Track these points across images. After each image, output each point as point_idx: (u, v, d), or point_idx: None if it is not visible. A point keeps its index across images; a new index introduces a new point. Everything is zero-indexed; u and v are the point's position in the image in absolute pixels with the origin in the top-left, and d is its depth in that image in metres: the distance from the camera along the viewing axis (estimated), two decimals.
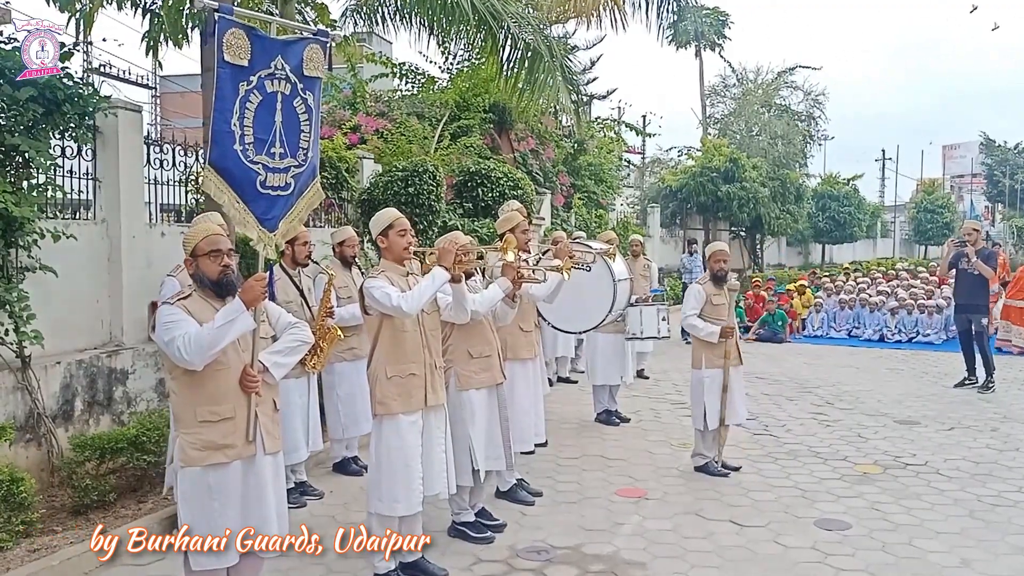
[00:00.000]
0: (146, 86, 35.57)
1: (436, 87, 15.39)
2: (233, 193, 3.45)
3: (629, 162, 25.51)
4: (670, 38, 29.31)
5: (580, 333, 7.55)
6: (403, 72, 16.10)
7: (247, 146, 3.45)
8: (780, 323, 16.10)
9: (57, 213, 6.72)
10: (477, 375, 5.14)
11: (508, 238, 4.64)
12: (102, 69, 33.70)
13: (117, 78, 33.61)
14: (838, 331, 16.40)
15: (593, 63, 23.76)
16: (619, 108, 40.48)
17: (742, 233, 29.69)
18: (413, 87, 16.40)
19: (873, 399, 9.93)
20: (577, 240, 7.32)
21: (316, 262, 5.99)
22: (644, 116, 40.84)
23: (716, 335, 6.53)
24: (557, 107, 14.39)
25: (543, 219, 16.27)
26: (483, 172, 11.53)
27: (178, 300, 3.60)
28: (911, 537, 5.37)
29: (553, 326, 7.19)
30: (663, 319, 8.12)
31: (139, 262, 7.20)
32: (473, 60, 14.77)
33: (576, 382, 10.73)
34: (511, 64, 11.98)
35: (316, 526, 5.49)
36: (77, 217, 7.01)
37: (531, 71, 11.84)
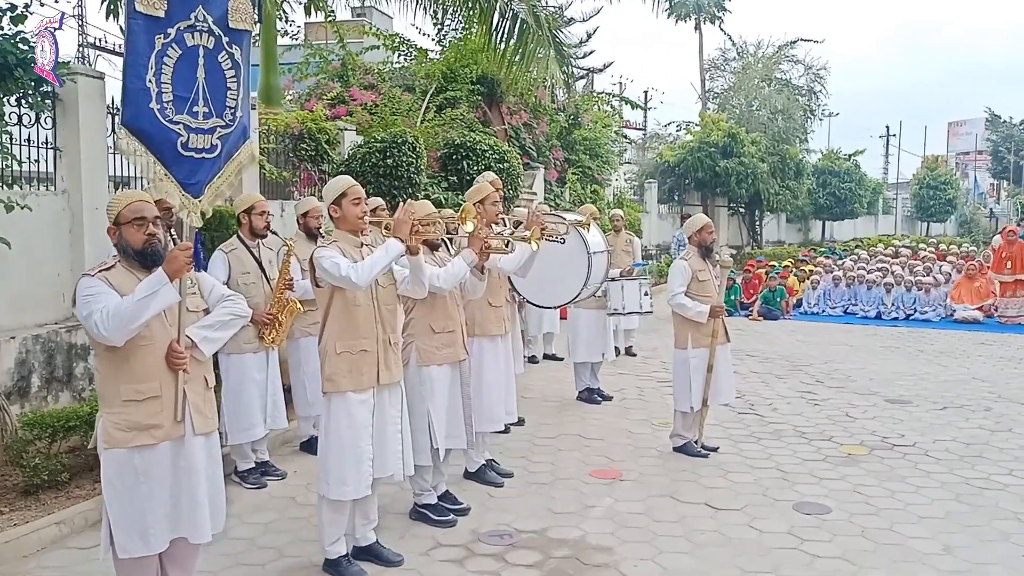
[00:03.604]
0: None
1: (428, 60, 15.05)
2: (151, 155, 3.18)
3: (626, 136, 25.13)
4: (668, 10, 28.84)
5: (556, 307, 7.31)
6: (395, 45, 15.79)
7: (165, 105, 3.18)
8: (779, 300, 15.87)
9: (12, 183, 6.46)
10: (439, 351, 4.91)
11: (466, 207, 4.37)
12: (97, 43, 33.41)
13: (114, 52, 33.27)
14: (834, 308, 16.14)
15: (589, 36, 23.44)
16: (621, 83, 40.12)
17: (741, 209, 29.40)
18: (405, 60, 16.09)
19: (865, 377, 9.71)
20: (550, 212, 7.04)
21: (275, 232, 5.75)
22: (646, 92, 40.49)
23: (705, 315, 6.26)
24: (550, 80, 14.07)
25: (535, 194, 15.99)
26: (468, 145, 11.25)
27: (99, 271, 3.36)
28: (892, 522, 5.15)
29: (528, 301, 6.95)
30: (645, 294, 7.89)
31: (102, 235, 6.87)
32: (461, 30, 14.41)
33: (562, 359, 10.47)
34: (500, 34, 11.69)
35: (275, 507, 5.37)
36: (38, 188, 6.75)
37: (520, 42, 11.56)
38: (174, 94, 3.22)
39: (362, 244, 4.29)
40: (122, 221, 3.39)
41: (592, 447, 6.76)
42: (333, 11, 15.28)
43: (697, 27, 30.21)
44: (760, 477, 6.00)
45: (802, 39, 30.15)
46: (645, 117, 38.69)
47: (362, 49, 16.91)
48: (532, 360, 10.43)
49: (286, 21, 15.17)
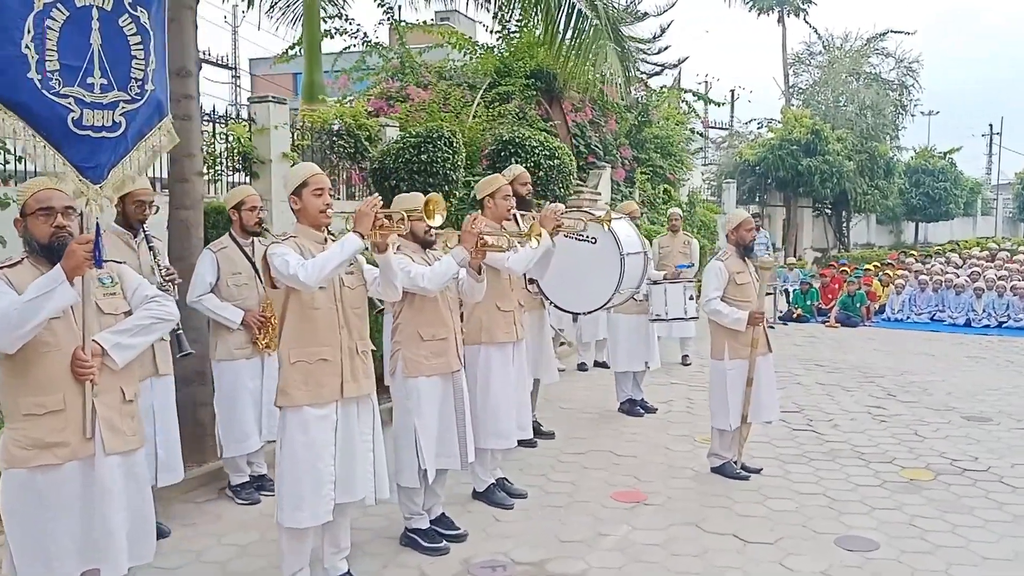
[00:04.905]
0: (226, 67, 36.05)
1: (484, 54, 14.63)
2: (34, 134, 2.79)
3: (703, 134, 24.16)
4: (750, 3, 27.73)
5: (586, 313, 6.74)
6: (457, 42, 15.43)
7: (50, 75, 2.77)
8: (859, 305, 14.86)
9: (7, 180, 6.28)
10: (428, 360, 4.42)
11: (433, 198, 3.86)
12: None
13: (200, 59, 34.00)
14: (919, 315, 15.02)
15: (663, 30, 22.56)
16: (706, 82, 39.03)
17: (827, 210, 28.01)
18: (470, 58, 15.71)
19: (943, 391, 8.81)
20: (575, 209, 6.50)
21: (267, 229, 5.37)
22: (733, 90, 39.21)
23: (743, 322, 5.62)
24: (610, 75, 13.45)
25: (599, 194, 15.37)
26: (516, 140, 10.73)
27: (2, 268, 3.00)
28: (949, 563, 4.43)
29: (557, 306, 6.40)
30: (690, 298, 7.22)
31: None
32: (515, 23, 13.93)
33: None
34: (555, 26, 11.18)
35: (260, 526, 4.98)
36: None
37: (577, 34, 11.03)
38: (61, 63, 2.80)
39: (326, 240, 3.85)
40: (27, 212, 3.03)
41: (621, 465, 6.18)
42: (391, 8, 15.08)
43: (780, 20, 28.91)
44: (803, 505, 5.32)
45: (892, 31, 28.55)
46: (732, 114, 37.52)
47: (427, 47, 16.64)
48: (582, 367, 9.87)
49: (346, 20, 15.03)
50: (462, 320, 5.05)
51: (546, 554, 4.54)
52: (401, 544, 4.63)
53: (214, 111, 8.24)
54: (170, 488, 5.32)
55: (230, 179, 8.33)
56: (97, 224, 3.00)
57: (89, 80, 2.86)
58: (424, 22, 15.86)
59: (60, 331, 3.00)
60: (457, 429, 4.54)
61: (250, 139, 8.38)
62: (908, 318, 15.14)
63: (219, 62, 34.30)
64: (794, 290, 15.83)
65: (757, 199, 26.39)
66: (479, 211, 5.39)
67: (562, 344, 10.16)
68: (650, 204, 17.38)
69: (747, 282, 5.75)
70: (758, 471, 5.93)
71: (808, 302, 15.36)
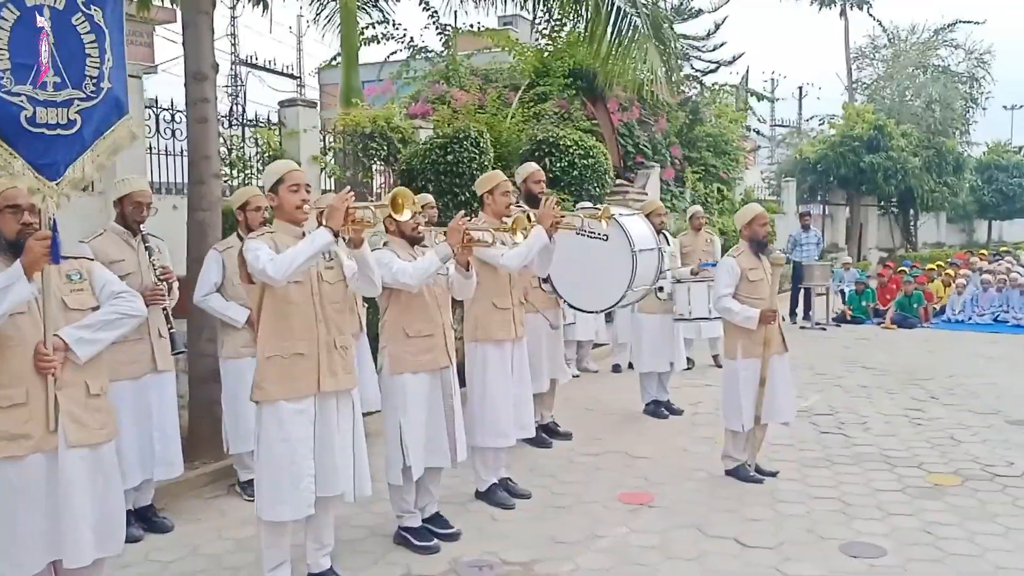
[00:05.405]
0: (291, 76, 36.78)
1: (524, 54, 14.61)
2: None
3: (760, 132, 23.70)
4: None
5: (598, 312, 6.65)
6: (506, 45, 15.43)
7: (1, 74, 2.86)
8: (916, 306, 14.34)
9: None
10: (414, 357, 4.41)
11: (402, 192, 3.84)
12: (248, 60, 35.20)
13: (264, 68, 34.93)
14: (982, 316, 14.42)
15: (717, 27, 22.21)
16: (773, 79, 38.28)
17: (893, 209, 27.17)
18: (516, 59, 15.71)
19: (992, 394, 8.43)
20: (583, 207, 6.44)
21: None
22: (801, 88, 38.45)
23: (754, 320, 5.47)
24: (651, 73, 13.29)
25: (646, 193, 15.18)
26: (551, 140, 10.69)
27: None
28: (959, 573, 4.22)
29: (570, 304, 6.33)
30: None
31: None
32: (554, 22, 13.86)
33: None
34: (592, 24, 11.08)
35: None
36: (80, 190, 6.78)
37: (616, 32, 10.91)
38: (13, 62, 2.88)
39: (303, 236, 3.87)
40: None
41: (635, 467, 6.07)
42: (436, 10, 15.15)
43: (842, 14, 28.16)
44: (814, 509, 5.14)
45: (961, 21, 27.55)
46: (800, 111, 36.72)
47: (475, 51, 16.68)
48: (615, 369, 9.75)
49: (393, 25, 15.19)
50: (460, 318, 5.04)
51: (537, 554, 4.48)
52: (394, 542, 4.63)
53: (243, 114, 8.40)
54: (180, 484, 5.48)
55: (261, 182, 8.47)
56: (54, 221, 3.07)
57: (43, 79, 2.94)
58: (472, 26, 15.93)
59: (24, 325, 3.08)
60: (447, 426, 4.51)
61: (280, 143, 8.51)
62: (970, 319, 14.53)
63: (284, 71, 35.07)
64: (849, 290, 15.37)
65: (819, 197, 25.76)
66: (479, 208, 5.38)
67: (596, 346, 10.06)
68: (703, 204, 17.08)
69: (760, 279, 5.60)
70: (773, 474, 5.76)
71: (863, 303, 14.88)
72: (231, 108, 23.45)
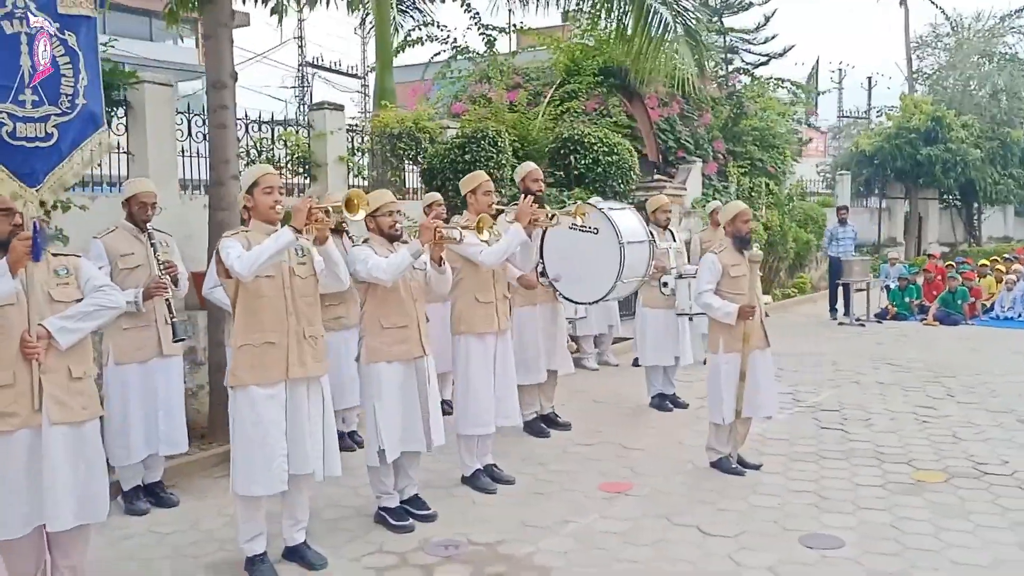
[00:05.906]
0: (355, 76, 37.54)
1: (558, 51, 14.75)
2: None
3: (811, 125, 23.34)
4: None
5: (591, 303, 6.86)
6: (549, 43, 15.61)
7: None
8: (960, 302, 14.08)
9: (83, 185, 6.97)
10: (389, 347, 4.69)
11: (354, 193, 4.12)
12: (314, 61, 36.13)
13: (329, 69, 35.78)
14: None
15: (767, 19, 21.98)
16: (840, 70, 37.46)
17: (955, 202, 26.43)
18: (556, 57, 15.88)
19: (1013, 393, 8.33)
20: (588, 202, 6.63)
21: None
22: (870, 78, 37.54)
23: (733, 316, 5.59)
24: (684, 69, 13.29)
25: (685, 189, 15.21)
26: (575, 138, 10.87)
27: None
28: (912, 566, 4.31)
29: (564, 296, 6.55)
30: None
31: (174, 234, 7.33)
32: (583, 20, 13.98)
33: None
34: (622, 21, 11.19)
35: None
36: (108, 190, 7.28)
37: (645, 29, 11.01)
38: None
39: None
40: None
41: (625, 458, 6.25)
42: (477, 12, 15.42)
43: (902, 2, 27.51)
44: (787, 502, 5.26)
45: None
46: (869, 102, 35.93)
47: (520, 50, 16.89)
48: (636, 363, 9.88)
49: (437, 26, 15.53)
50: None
51: (503, 536, 4.72)
52: (374, 521, 4.93)
53: (272, 117, 8.81)
54: (192, 464, 5.91)
55: (289, 182, 8.88)
56: (34, 222, 3.44)
57: (21, 97, 3.32)
58: (514, 26, 16.15)
59: (11, 316, 3.47)
60: (422, 413, 4.78)
61: (308, 144, 8.90)
62: (1019, 316, 14.20)
63: (349, 72, 35.87)
64: (893, 286, 15.14)
65: (876, 191, 25.24)
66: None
67: (617, 340, 10.22)
68: (747, 199, 16.97)
69: (742, 275, 5.72)
70: (757, 467, 5.88)
71: (906, 299, 14.66)
72: (298, 108, 24.18)
